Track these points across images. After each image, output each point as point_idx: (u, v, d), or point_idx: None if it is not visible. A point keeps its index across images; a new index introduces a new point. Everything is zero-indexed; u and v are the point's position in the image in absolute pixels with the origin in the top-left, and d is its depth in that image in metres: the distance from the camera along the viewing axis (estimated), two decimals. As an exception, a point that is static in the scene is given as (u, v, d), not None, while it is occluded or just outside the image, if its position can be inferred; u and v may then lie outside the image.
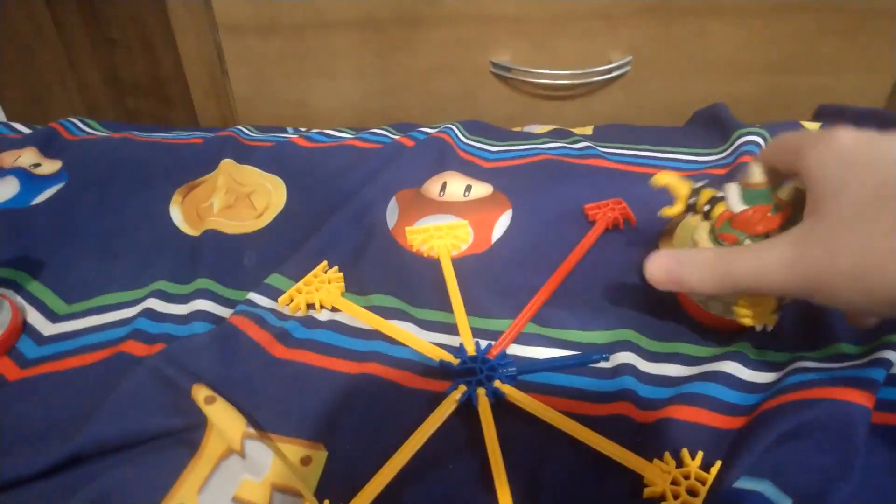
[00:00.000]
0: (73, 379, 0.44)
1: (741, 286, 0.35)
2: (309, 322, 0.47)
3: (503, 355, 0.43)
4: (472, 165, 0.61)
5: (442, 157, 0.61)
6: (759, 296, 0.39)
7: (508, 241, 0.53)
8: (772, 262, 0.33)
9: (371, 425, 0.40)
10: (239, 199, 0.57)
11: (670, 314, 0.45)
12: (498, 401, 0.41)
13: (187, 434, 0.40)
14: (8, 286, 0.50)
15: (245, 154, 0.63)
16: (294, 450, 0.39)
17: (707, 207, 0.42)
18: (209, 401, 0.40)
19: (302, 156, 0.63)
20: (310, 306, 0.48)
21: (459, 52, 0.83)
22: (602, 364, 0.43)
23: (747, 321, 0.39)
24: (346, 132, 0.70)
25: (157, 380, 0.41)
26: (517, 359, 0.44)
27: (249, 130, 0.72)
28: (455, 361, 0.43)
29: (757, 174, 0.40)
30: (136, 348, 0.45)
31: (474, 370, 0.42)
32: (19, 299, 0.49)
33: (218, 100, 0.91)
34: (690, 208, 0.43)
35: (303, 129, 0.74)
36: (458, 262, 0.50)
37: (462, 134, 0.66)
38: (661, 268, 0.38)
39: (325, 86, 0.87)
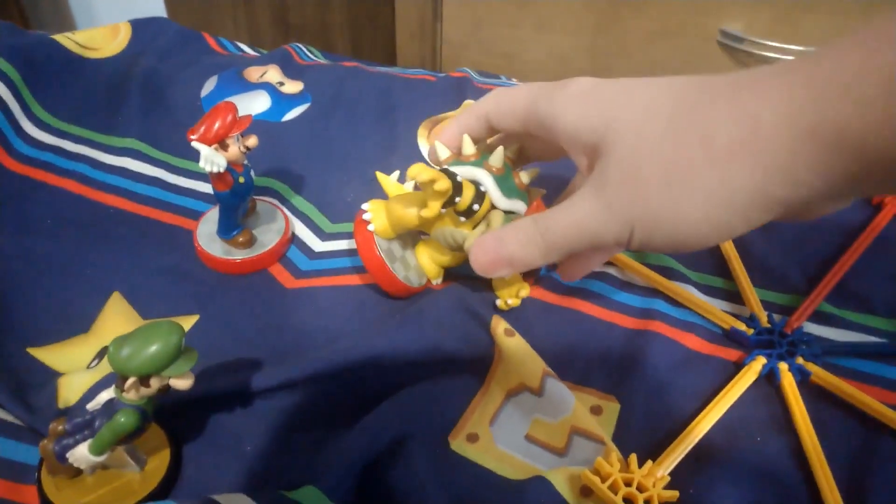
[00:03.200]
0: (345, 295, 0.44)
1: (565, 244, 0.32)
2: (579, 271, 0.45)
3: (802, 331, 0.40)
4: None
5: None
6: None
7: (784, 215, 0.49)
8: (586, 211, 0.30)
9: (662, 385, 0.38)
10: (488, 139, 0.56)
11: None
12: (803, 379, 0.38)
13: (476, 364, 0.39)
14: (271, 195, 0.51)
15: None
16: (584, 398, 0.38)
17: (476, 207, 0.37)
18: (508, 333, 0.38)
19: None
20: (580, 254, 0.46)
21: (688, 15, 0.79)
22: (913, 357, 0.39)
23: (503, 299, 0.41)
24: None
25: (459, 305, 0.40)
26: (815, 338, 0.40)
27: (473, 74, 0.70)
28: (748, 331, 0.40)
29: (468, 146, 0.38)
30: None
31: (772, 343, 0.40)
32: (286, 210, 0.49)
33: (422, 42, 0.90)
34: (450, 203, 0.37)
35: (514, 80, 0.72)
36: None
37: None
38: (485, 250, 0.34)
39: (536, 38, 0.84)
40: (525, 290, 0.41)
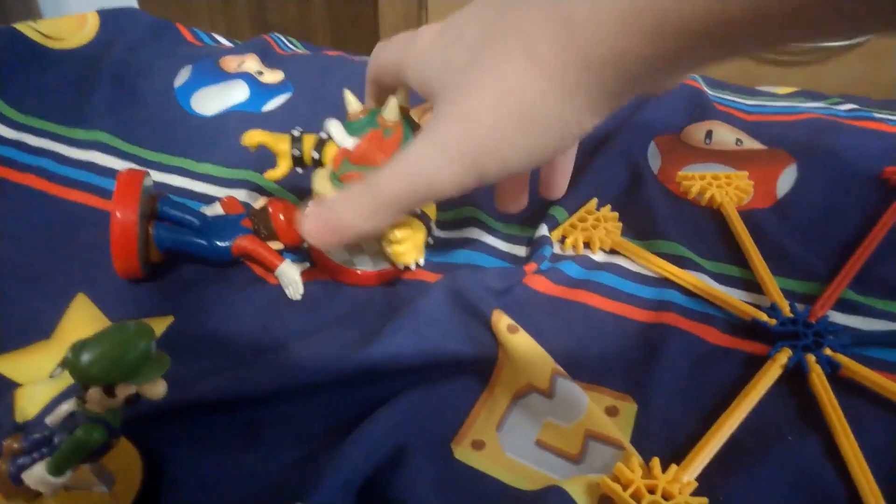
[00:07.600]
0: (333, 290, 0.41)
1: (400, 202, 0.30)
2: (585, 262, 0.42)
3: (827, 320, 0.38)
4: (731, 117, 0.55)
5: (700, 105, 0.55)
6: (410, 230, 0.36)
7: (798, 198, 0.46)
8: (417, 159, 0.28)
9: (682, 382, 0.35)
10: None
11: None
12: (833, 372, 0.35)
13: (478, 364, 0.36)
14: (250, 188, 0.47)
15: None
16: (597, 398, 0.35)
17: (316, 155, 0.38)
18: (512, 330, 0.35)
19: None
20: (585, 245, 0.43)
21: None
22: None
23: (404, 259, 0.37)
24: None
25: (456, 301, 0.37)
26: (842, 328, 0.38)
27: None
28: (770, 322, 0.37)
29: (353, 104, 0.37)
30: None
31: (797, 333, 0.37)
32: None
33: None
34: (298, 162, 0.39)
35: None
36: (742, 215, 0.45)
37: (705, 85, 0.60)
38: (313, 219, 0.31)
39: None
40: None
